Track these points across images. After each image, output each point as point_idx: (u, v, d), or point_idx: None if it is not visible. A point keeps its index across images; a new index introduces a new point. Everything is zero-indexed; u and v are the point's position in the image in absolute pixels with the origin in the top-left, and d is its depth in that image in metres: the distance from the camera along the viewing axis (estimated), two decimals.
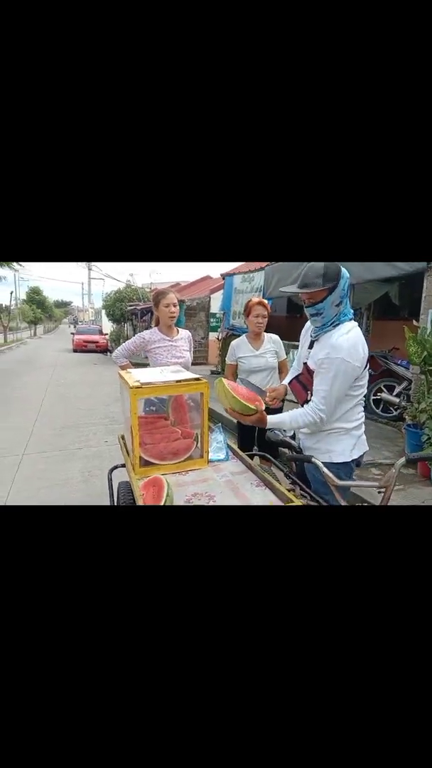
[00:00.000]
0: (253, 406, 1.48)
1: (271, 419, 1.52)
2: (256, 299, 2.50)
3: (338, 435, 1.51)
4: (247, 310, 2.49)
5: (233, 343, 2.62)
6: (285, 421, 1.52)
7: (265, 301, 2.48)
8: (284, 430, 1.73)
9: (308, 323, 1.58)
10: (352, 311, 1.51)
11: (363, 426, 1.56)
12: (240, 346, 2.56)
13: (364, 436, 1.58)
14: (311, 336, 1.57)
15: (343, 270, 1.40)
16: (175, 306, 2.38)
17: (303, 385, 1.59)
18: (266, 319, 2.47)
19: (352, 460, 1.53)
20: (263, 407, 1.54)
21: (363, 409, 1.55)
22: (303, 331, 1.65)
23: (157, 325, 2.47)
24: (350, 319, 1.47)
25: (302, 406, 1.56)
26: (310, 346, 1.56)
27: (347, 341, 1.39)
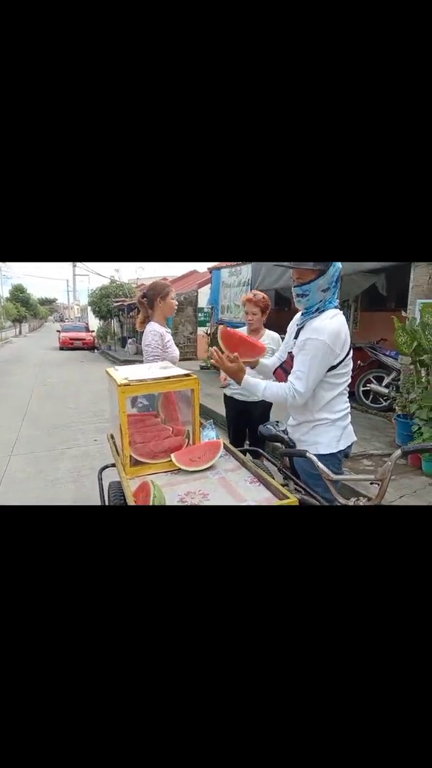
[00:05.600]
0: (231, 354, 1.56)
1: (247, 379, 1.56)
2: (246, 296, 2.47)
3: (324, 426, 1.51)
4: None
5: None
6: (260, 386, 1.54)
7: (257, 297, 2.41)
8: (277, 423, 1.71)
9: (297, 315, 1.58)
10: (337, 301, 1.51)
11: (349, 416, 1.56)
12: None
13: (351, 427, 1.57)
14: (297, 325, 1.57)
15: None
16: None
17: (286, 372, 1.60)
18: (257, 316, 2.40)
19: (339, 452, 1.53)
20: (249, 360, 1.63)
21: (348, 399, 1.54)
22: (291, 323, 1.66)
23: (147, 320, 2.39)
24: (335, 307, 1.48)
25: None
26: (296, 336, 1.55)
27: (329, 325, 1.41)
